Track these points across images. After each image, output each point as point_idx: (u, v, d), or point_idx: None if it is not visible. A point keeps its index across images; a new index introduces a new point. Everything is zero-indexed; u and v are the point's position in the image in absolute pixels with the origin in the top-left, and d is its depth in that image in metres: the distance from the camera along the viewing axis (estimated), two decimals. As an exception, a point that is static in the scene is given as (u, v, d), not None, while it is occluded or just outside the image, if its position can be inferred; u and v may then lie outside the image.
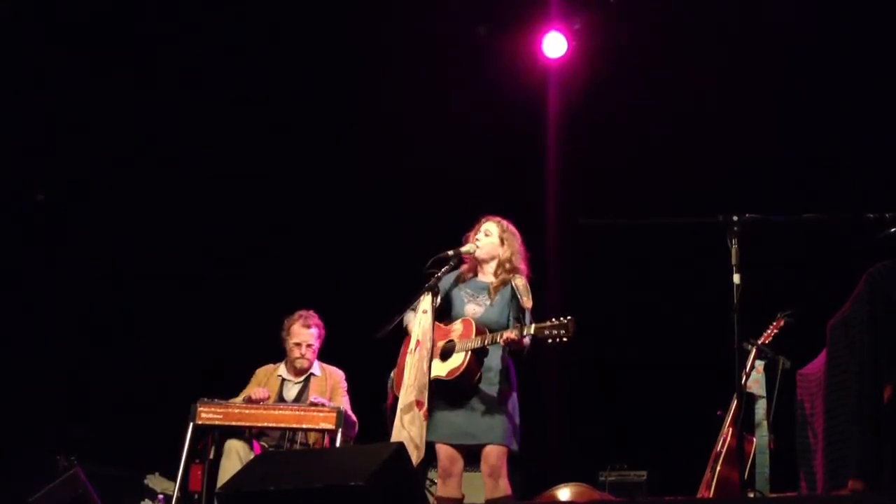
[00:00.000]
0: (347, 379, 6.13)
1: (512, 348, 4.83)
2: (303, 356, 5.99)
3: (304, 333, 6.00)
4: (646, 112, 7.27)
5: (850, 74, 6.86)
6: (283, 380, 6.05)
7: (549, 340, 4.57)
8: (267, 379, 6.03)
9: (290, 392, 6.01)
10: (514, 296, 4.91)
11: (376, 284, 6.89)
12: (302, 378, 6.05)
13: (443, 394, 4.86)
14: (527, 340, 4.78)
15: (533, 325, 4.65)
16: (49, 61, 7.45)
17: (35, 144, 7.63)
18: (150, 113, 7.69)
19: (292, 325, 6.03)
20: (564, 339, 4.52)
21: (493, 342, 4.77)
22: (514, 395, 4.93)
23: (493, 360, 4.88)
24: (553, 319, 4.57)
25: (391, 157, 7.72)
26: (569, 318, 4.52)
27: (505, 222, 5.13)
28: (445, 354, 4.90)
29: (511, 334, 4.69)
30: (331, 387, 6.01)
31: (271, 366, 6.14)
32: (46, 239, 7.78)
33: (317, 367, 6.09)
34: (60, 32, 7.43)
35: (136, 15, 7.49)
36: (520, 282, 4.89)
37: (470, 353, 4.79)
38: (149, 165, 7.86)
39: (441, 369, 4.87)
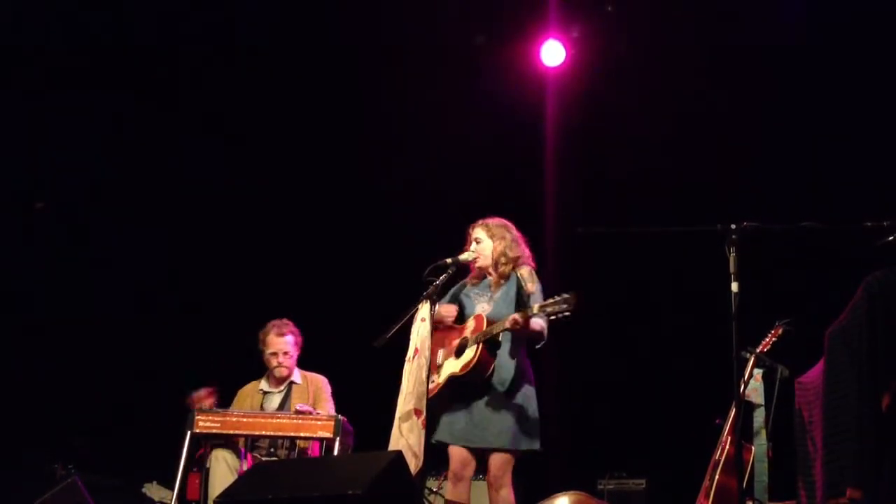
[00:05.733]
0: (344, 388, 6.11)
1: (521, 333, 4.78)
2: (280, 364, 5.99)
3: (279, 342, 6.00)
4: (644, 120, 7.28)
5: (848, 82, 6.87)
6: (265, 393, 6.05)
7: (553, 317, 4.54)
8: (252, 397, 6.03)
9: (272, 402, 6.00)
10: (520, 286, 4.92)
11: (373, 293, 6.90)
12: (283, 387, 6.05)
13: (457, 393, 4.86)
14: (537, 324, 4.77)
15: (536, 305, 4.63)
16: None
17: (34, 151, 7.64)
18: (144, 122, 7.71)
19: (267, 336, 6.03)
20: (567, 314, 4.47)
21: (502, 329, 4.74)
22: (531, 394, 4.88)
23: (507, 358, 4.86)
24: (556, 296, 4.53)
25: (388, 166, 7.72)
26: (572, 292, 4.48)
27: (490, 220, 5.13)
28: (460, 351, 4.91)
29: (516, 316, 4.67)
30: (313, 393, 5.99)
31: (252, 383, 6.13)
32: (44, 247, 7.77)
33: (297, 375, 6.08)
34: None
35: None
36: (524, 270, 4.93)
37: (481, 344, 4.78)
38: (145, 174, 7.86)
39: (455, 366, 4.87)
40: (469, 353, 4.83)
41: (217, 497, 4.31)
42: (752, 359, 5.48)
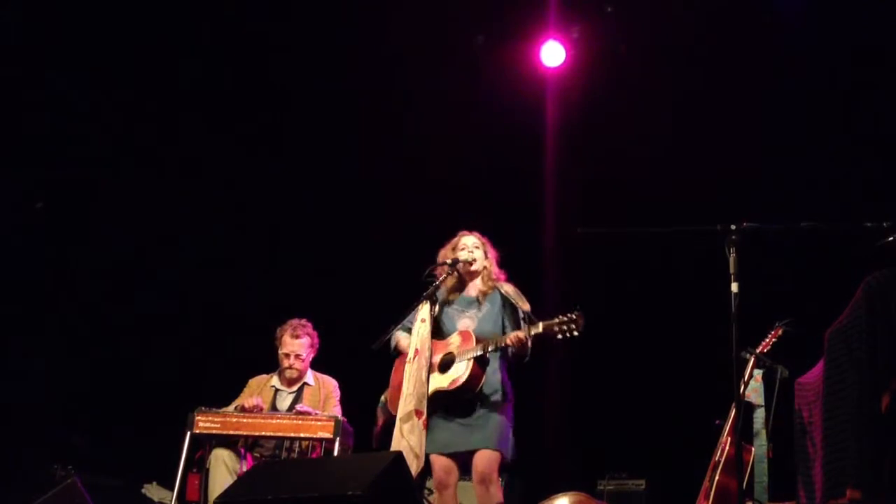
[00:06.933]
0: (344, 389, 6.11)
1: (518, 351, 4.82)
2: (291, 367, 5.99)
3: (293, 344, 6.00)
4: (644, 121, 7.27)
5: (846, 84, 6.87)
6: (277, 390, 6.04)
7: (560, 336, 4.59)
8: (260, 389, 6.01)
9: (284, 402, 6.00)
10: (505, 303, 4.95)
11: (372, 294, 6.89)
12: (295, 388, 6.04)
13: (441, 405, 4.86)
14: (529, 342, 4.80)
15: (541, 324, 4.66)
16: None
17: (34, 150, 7.64)
18: (144, 121, 7.70)
19: (283, 335, 6.03)
20: (575, 333, 4.54)
21: (497, 346, 4.78)
22: (510, 406, 4.94)
23: (491, 371, 4.88)
24: (561, 315, 4.59)
25: (389, 166, 7.72)
26: (577, 312, 4.55)
27: (478, 234, 5.21)
28: (445, 366, 4.90)
29: (519, 334, 4.70)
30: (324, 396, 6.00)
31: (264, 376, 6.13)
32: (44, 247, 7.77)
33: (310, 377, 6.08)
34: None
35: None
36: (509, 288, 4.96)
37: (473, 361, 4.79)
38: (146, 170, 7.86)
39: (442, 381, 4.86)
40: (460, 369, 4.83)
41: (217, 497, 4.31)
42: (752, 359, 5.48)
